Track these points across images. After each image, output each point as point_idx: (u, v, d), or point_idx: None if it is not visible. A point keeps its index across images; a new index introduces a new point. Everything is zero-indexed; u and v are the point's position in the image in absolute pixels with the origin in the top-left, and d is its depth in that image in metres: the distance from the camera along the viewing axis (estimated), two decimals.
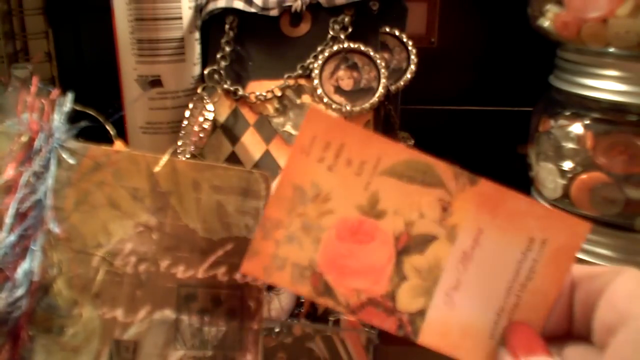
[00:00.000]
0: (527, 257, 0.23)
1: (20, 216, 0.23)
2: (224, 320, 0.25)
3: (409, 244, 0.24)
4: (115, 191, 0.25)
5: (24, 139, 0.23)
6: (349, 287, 0.24)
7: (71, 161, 0.24)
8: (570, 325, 0.23)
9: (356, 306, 0.24)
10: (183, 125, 0.44)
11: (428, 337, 0.24)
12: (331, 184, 0.24)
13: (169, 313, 0.25)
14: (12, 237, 0.22)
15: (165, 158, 0.25)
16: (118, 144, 0.27)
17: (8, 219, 0.22)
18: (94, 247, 0.24)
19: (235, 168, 0.26)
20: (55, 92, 0.25)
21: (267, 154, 0.44)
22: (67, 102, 0.25)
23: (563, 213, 0.23)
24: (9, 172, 0.23)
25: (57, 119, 0.24)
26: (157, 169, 0.25)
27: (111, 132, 0.27)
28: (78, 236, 0.24)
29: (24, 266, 0.22)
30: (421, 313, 0.24)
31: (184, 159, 0.40)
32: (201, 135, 0.44)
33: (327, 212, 0.24)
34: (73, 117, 0.25)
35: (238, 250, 0.25)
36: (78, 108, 0.25)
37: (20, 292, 0.22)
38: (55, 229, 0.23)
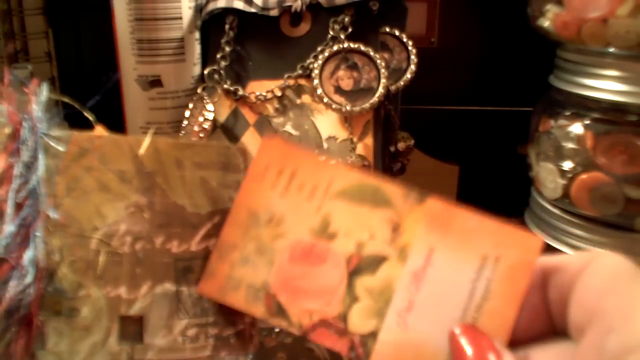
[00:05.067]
0: (481, 275, 0.22)
1: (16, 206, 0.23)
2: None
3: (360, 265, 0.24)
4: (103, 175, 0.25)
5: (7, 130, 0.24)
6: (301, 308, 0.24)
7: (60, 148, 0.25)
8: (552, 323, 0.22)
9: (308, 327, 0.24)
10: (183, 125, 0.44)
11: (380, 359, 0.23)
12: (284, 209, 0.25)
13: (169, 286, 0.26)
14: (12, 227, 0.23)
15: (147, 140, 0.26)
16: (99, 129, 0.28)
17: (9, 209, 0.23)
18: (90, 231, 0.25)
19: (214, 144, 0.26)
20: (33, 83, 0.25)
21: None
22: (44, 92, 0.25)
23: (514, 228, 0.22)
24: (1, 163, 0.23)
25: (37, 109, 0.25)
26: (141, 151, 0.25)
27: (90, 119, 0.28)
28: (74, 221, 0.25)
29: (28, 254, 0.23)
30: (373, 335, 0.23)
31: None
32: (201, 135, 0.44)
33: (280, 235, 0.25)
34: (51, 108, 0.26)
35: (225, 221, 0.26)
36: (54, 97, 0.26)
37: (29, 279, 0.23)
38: (55, 215, 0.24)
